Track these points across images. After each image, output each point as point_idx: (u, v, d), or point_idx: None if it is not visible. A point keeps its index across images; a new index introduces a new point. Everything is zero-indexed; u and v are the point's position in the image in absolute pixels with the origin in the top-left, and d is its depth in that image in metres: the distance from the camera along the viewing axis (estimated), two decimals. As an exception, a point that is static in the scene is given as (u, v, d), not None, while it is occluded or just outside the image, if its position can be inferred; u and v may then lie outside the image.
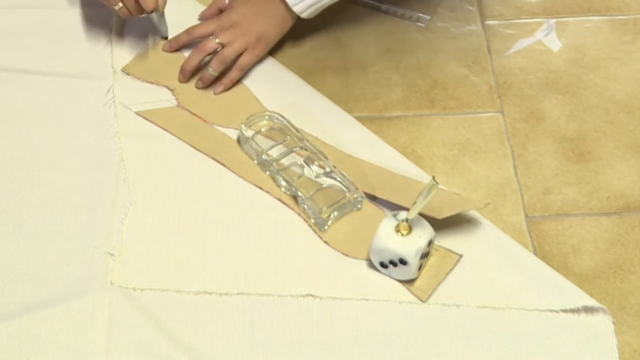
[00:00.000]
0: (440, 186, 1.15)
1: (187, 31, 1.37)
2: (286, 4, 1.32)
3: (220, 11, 1.39)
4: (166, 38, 1.38)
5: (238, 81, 1.36)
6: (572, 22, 1.46)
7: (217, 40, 1.32)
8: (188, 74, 1.35)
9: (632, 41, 1.45)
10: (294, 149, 1.28)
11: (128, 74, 1.37)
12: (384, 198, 1.22)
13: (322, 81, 1.38)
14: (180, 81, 1.35)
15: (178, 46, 1.37)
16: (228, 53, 1.32)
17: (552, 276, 1.17)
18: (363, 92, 1.39)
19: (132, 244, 1.19)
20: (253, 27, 1.33)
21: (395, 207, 1.21)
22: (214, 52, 1.33)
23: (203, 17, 1.41)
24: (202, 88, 1.34)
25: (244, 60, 1.34)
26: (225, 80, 1.34)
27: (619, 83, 1.39)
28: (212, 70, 1.33)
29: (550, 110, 1.37)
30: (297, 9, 1.32)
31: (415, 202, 1.12)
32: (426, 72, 1.41)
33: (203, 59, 1.34)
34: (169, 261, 1.18)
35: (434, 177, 1.10)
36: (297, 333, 1.12)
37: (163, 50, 1.38)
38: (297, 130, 1.30)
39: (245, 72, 1.35)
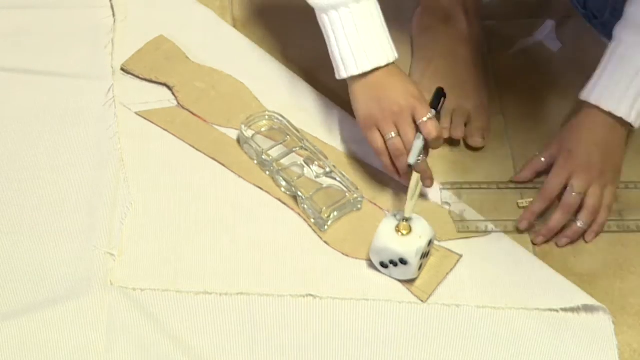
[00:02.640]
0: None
1: (542, 197, 1.22)
2: (619, 123, 1.19)
3: (537, 174, 1.27)
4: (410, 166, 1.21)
5: (239, 82, 1.36)
6: (572, 22, 1.46)
7: (575, 194, 1.20)
8: (553, 234, 1.22)
9: (632, 41, 1.45)
10: (294, 149, 1.28)
11: (127, 71, 1.37)
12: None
13: (322, 81, 1.38)
14: (538, 240, 1.22)
15: (536, 216, 1.22)
16: (596, 202, 1.20)
17: (552, 276, 1.17)
18: (363, 92, 1.38)
19: (132, 244, 1.19)
20: (606, 164, 1.21)
21: (395, 207, 1.21)
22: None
23: (518, 180, 1.28)
24: (567, 245, 1.21)
25: (610, 199, 1.22)
26: (596, 227, 1.22)
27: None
28: (582, 223, 1.21)
29: (551, 110, 1.37)
30: (632, 119, 1.18)
31: (407, 201, 1.13)
32: (426, 72, 1.41)
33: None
34: (169, 261, 1.18)
35: (414, 171, 1.13)
36: (297, 333, 1.12)
37: (521, 228, 1.22)
38: (297, 130, 1.30)
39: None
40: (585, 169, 1.21)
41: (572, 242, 1.22)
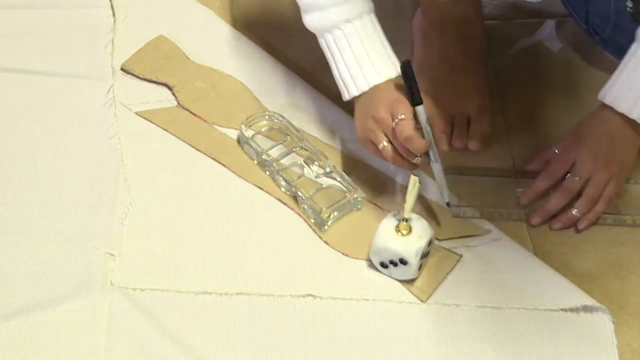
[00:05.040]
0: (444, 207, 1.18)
1: (547, 174, 1.23)
2: (632, 124, 1.18)
3: (548, 162, 1.26)
4: (448, 204, 1.22)
5: (239, 82, 1.36)
6: (572, 22, 1.46)
7: (577, 178, 1.20)
8: (550, 216, 1.23)
9: (632, 41, 1.45)
10: (294, 149, 1.28)
11: (127, 71, 1.37)
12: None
13: (322, 81, 1.38)
14: (534, 220, 1.23)
15: (539, 194, 1.24)
16: (596, 192, 1.21)
17: (552, 276, 1.17)
18: (363, 92, 1.38)
19: (132, 244, 1.19)
20: (613, 156, 1.21)
21: (395, 207, 1.21)
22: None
23: (531, 169, 1.28)
24: (562, 229, 1.22)
25: (611, 191, 1.22)
26: (591, 216, 1.22)
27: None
28: (577, 211, 1.21)
29: (551, 110, 1.37)
30: None
31: (405, 201, 1.13)
32: (426, 72, 1.41)
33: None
34: (169, 261, 1.18)
35: (412, 172, 1.13)
36: (297, 333, 1.12)
37: (521, 202, 1.24)
38: (297, 130, 1.30)
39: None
40: (591, 157, 1.21)
41: (565, 227, 1.22)
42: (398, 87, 1.17)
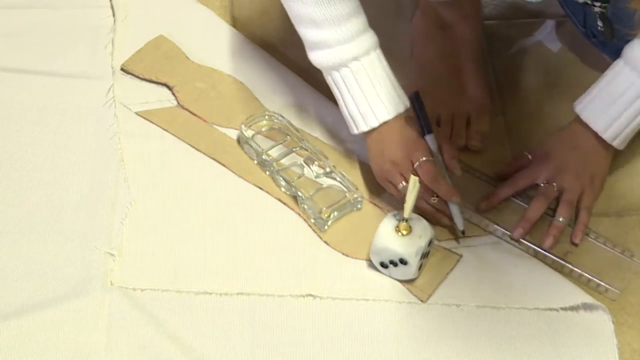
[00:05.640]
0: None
1: (511, 183, 1.24)
2: (604, 142, 1.19)
3: (519, 170, 1.26)
4: (463, 232, 1.21)
5: (239, 82, 1.36)
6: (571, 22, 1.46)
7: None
8: (532, 224, 1.21)
9: (632, 41, 1.45)
10: (294, 149, 1.28)
11: (127, 71, 1.37)
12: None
13: (322, 81, 1.38)
14: (516, 234, 1.21)
15: (500, 201, 1.24)
16: (573, 197, 1.21)
17: (551, 276, 1.17)
18: (363, 92, 1.38)
19: (132, 244, 1.19)
20: (584, 169, 1.21)
21: (395, 207, 1.21)
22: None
23: (499, 175, 1.27)
24: (554, 244, 1.20)
25: (589, 200, 1.22)
26: (581, 226, 1.21)
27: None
28: (563, 218, 1.20)
29: (551, 110, 1.37)
30: (616, 143, 1.19)
31: (405, 201, 1.13)
32: (426, 72, 1.41)
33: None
34: (169, 261, 1.18)
35: (413, 173, 1.13)
36: (297, 333, 1.12)
37: (481, 208, 1.23)
38: (297, 130, 1.30)
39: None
40: (561, 170, 1.21)
41: (556, 240, 1.20)
42: (409, 122, 1.19)
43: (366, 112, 1.18)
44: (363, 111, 1.18)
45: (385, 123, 1.18)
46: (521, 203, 1.23)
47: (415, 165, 1.17)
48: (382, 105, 1.17)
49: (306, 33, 1.17)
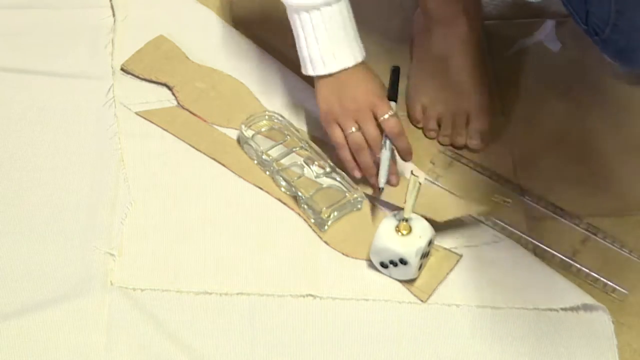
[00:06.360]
0: (439, 185, 1.16)
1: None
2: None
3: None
4: (381, 189, 1.21)
5: (239, 82, 1.36)
6: (572, 22, 1.46)
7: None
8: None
9: (632, 41, 1.45)
10: (294, 149, 1.28)
11: (127, 71, 1.37)
12: (383, 199, 1.22)
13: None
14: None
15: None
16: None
17: (551, 276, 1.17)
18: (363, 92, 1.38)
19: (132, 244, 1.19)
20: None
21: (395, 207, 1.21)
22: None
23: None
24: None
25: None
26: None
27: (619, 83, 1.39)
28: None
29: (551, 110, 1.37)
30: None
31: (405, 201, 1.13)
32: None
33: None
34: (169, 261, 1.18)
35: (412, 172, 1.13)
36: (297, 333, 1.12)
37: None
38: (297, 130, 1.30)
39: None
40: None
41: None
42: (375, 77, 1.21)
43: (327, 57, 1.19)
44: (324, 55, 1.19)
45: (345, 70, 1.19)
46: (530, 202, 1.24)
47: (381, 119, 1.19)
48: (346, 51, 1.19)
49: None
